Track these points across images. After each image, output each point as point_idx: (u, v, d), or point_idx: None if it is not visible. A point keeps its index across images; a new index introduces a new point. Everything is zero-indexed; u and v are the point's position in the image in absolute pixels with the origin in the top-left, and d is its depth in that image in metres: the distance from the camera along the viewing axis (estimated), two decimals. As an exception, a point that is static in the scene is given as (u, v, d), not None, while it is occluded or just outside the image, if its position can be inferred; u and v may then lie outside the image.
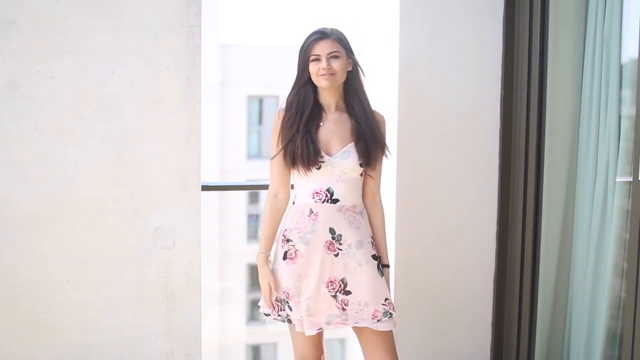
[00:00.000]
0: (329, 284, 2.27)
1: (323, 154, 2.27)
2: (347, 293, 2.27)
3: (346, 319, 2.28)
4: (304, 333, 2.31)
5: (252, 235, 15.05)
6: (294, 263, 2.28)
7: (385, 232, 2.39)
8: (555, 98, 2.72)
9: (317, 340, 2.40)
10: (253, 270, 14.79)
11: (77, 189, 2.53)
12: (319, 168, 2.26)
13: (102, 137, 2.53)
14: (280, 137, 2.31)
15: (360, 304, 2.28)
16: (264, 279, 2.33)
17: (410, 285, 2.88)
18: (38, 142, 2.49)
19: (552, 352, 2.82)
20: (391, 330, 2.34)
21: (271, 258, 2.37)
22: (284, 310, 2.33)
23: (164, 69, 2.55)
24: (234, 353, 14.05)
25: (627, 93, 2.43)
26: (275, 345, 14.33)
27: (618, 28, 2.45)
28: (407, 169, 2.85)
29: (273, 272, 2.34)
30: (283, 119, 2.32)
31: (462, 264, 2.92)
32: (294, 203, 2.35)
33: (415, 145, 2.85)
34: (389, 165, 2.88)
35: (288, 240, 2.29)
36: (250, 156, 14.94)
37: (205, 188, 2.72)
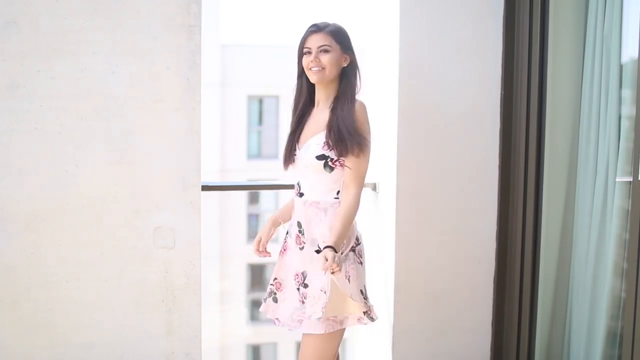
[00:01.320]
0: (295, 276, 2.31)
1: (297, 148, 2.30)
2: (306, 286, 2.27)
3: (302, 314, 2.23)
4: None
5: (252, 235, 15.05)
6: (285, 254, 2.38)
7: (341, 220, 2.18)
8: (555, 98, 2.72)
9: None
10: (253, 270, 14.81)
11: (77, 189, 2.53)
12: (293, 162, 2.31)
13: (102, 137, 2.53)
14: None
15: (314, 297, 2.20)
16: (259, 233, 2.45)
17: (410, 285, 2.88)
18: (38, 142, 2.49)
19: (552, 352, 2.82)
20: (317, 336, 2.21)
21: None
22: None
23: (164, 69, 2.55)
24: (234, 353, 14.06)
25: (627, 93, 2.43)
26: (275, 345, 14.34)
27: (618, 28, 2.45)
28: (407, 169, 2.85)
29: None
30: None
31: (462, 264, 2.92)
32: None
33: (415, 146, 2.85)
34: (389, 165, 2.88)
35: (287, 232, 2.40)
36: (250, 156, 14.95)
37: (205, 188, 2.72)
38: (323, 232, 2.24)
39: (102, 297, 2.58)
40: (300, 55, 2.29)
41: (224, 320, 14.14)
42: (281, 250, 2.39)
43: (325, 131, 2.23)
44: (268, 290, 2.40)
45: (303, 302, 2.26)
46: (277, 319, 2.36)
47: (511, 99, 2.85)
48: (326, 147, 2.22)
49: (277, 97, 14.82)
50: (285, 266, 2.36)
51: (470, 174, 2.90)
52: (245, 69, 14.32)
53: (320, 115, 2.30)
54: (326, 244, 2.13)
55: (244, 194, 14.46)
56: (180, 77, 2.56)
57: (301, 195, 2.30)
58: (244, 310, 14.62)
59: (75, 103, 2.50)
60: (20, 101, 2.46)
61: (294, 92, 2.37)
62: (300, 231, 2.30)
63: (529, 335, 2.82)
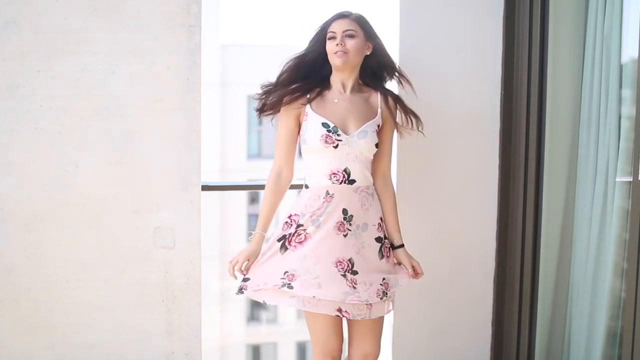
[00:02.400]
0: (337, 263, 2.24)
1: (340, 132, 2.27)
2: (355, 273, 2.26)
3: (359, 296, 2.24)
4: (323, 320, 2.26)
5: (252, 235, 15.03)
6: (302, 246, 2.25)
7: (397, 213, 2.43)
8: (555, 98, 2.72)
9: (339, 327, 2.33)
10: (253, 270, 14.79)
11: (77, 189, 2.53)
12: (336, 147, 2.26)
13: (102, 137, 2.53)
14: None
15: (366, 284, 2.25)
16: (247, 253, 2.31)
17: (410, 285, 2.87)
18: (38, 142, 2.49)
19: (552, 352, 2.82)
20: (382, 318, 2.34)
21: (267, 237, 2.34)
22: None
23: (164, 69, 2.55)
24: (234, 353, 14.06)
25: (627, 93, 2.43)
26: (275, 345, 14.33)
27: (618, 28, 2.45)
28: (407, 169, 2.85)
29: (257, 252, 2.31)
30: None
31: (462, 264, 2.92)
32: (307, 187, 2.33)
33: (415, 145, 2.84)
34: (389, 165, 2.88)
35: (299, 225, 2.27)
36: (250, 156, 14.94)
37: (205, 188, 2.72)
38: (372, 217, 2.33)
39: (102, 297, 2.58)
40: (320, 39, 2.33)
41: (224, 320, 14.14)
42: (292, 244, 2.26)
43: (377, 116, 2.34)
44: (279, 283, 2.22)
45: (354, 287, 2.23)
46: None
47: (511, 99, 2.85)
48: (376, 133, 2.32)
49: (277, 97, 14.79)
50: (299, 256, 2.25)
51: (470, 174, 2.90)
52: (245, 69, 14.29)
53: (357, 100, 2.34)
54: (399, 245, 2.41)
55: (244, 194, 14.45)
56: (180, 77, 2.56)
57: (352, 182, 2.29)
58: (244, 310, 14.62)
59: (75, 103, 2.50)
60: (20, 101, 2.46)
61: (288, 70, 2.36)
62: (345, 218, 2.27)
63: (529, 335, 2.82)
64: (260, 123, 15.25)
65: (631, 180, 2.29)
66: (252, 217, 15.11)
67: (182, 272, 2.63)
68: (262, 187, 2.46)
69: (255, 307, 14.90)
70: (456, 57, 2.84)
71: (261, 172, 14.36)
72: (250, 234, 2.35)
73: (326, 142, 2.26)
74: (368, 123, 2.31)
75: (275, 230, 2.33)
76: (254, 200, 15.22)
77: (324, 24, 2.34)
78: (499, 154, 2.90)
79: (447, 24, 2.83)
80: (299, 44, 2.34)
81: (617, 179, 2.44)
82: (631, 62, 2.40)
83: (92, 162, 2.53)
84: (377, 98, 2.39)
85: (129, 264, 2.59)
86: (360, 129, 2.29)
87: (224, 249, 14.24)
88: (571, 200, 2.71)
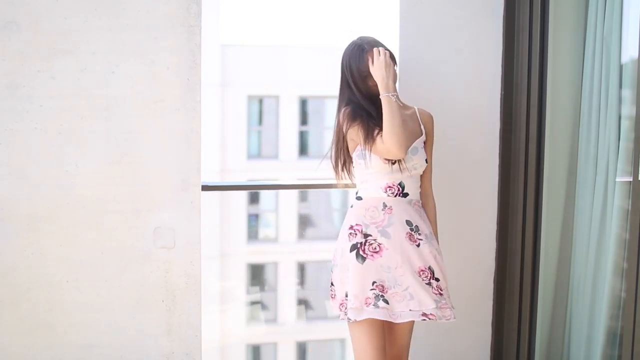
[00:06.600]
0: (421, 272, 2.31)
1: None
2: (437, 280, 2.33)
3: (446, 303, 2.34)
4: (375, 328, 2.28)
5: (252, 235, 15.05)
6: (380, 256, 2.30)
7: (436, 224, 2.49)
8: (555, 98, 2.72)
9: (382, 342, 2.32)
10: (253, 270, 14.81)
11: (77, 189, 2.53)
12: (394, 163, 2.32)
13: (102, 137, 2.53)
14: None
15: (447, 289, 2.37)
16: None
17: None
18: (38, 142, 2.49)
19: (552, 352, 2.82)
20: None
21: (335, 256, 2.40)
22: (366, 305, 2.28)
23: (164, 69, 2.55)
24: (234, 353, 14.06)
25: (627, 93, 2.43)
26: (275, 345, 14.34)
27: (618, 28, 2.46)
28: (407, 169, 2.85)
29: (339, 268, 2.36)
30: None
31: (462, 264, 2.92)
32: (360, 199, 2.37)
33: (415, 145, 2.85)
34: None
35: (366, 235, 2.31)
36: (250, 156, 14.94)
37: (205, 188, 2.72)
38: (429, 226, 2.41)
39: (102, 297, 2.58)
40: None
41: (224, 320, 14.15)
42: (367, 253, 2.30)
43: (423, 134, 2.44)
44: (371, 295, 2.27)
45: (441, 294, 2.33)
46: (399, 315, 2.31)
47: (511, 99, 2.85)
48: (424, 149, 2.43)
49: (277, 97, 14.81)
50: (382, 267, 2.29)
51: (470, 174, 2.90)
52: (245, 69, 14.30)
53: (403, 118, 2.35)
54: None
55: (244, 194, 14.46)
56: (180, 77, 2.56)
57: (405, 195, 2.36)
58: (244, 310, 14.62)
59: (75, 103, 2.50)
60: (20, 101, 2.46)
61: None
62: (412, 229, 2.33)
63: (529, 335, 2.82)
64: (260, 123, 15.26)
65: (631, 180, 2.29)
66: (252, 217, 15.13)
67: (182, 272, 2.63)
68: (262, 187, 2.50)
69: (255, 308, 14.89)
70: (456, 57, 2.84)
71: (261, 172, 14.38)
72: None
73: (385, 160, 2.32)
74: (417, 140, 2.40)
75: (338, 243, 2.38)
76: (254, 200, 15.23)
77: None
78: (499, 154, 2.90)
79: (447, 24, 2.83)
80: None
81: (617, 179, 2.44)
82: (631, 62, 2.40)
83: (92, 162, 2.53)
84: (416, 115, 2.48)
85: (128, 264, 2.59)
86: (412, 146, 2.37)
87: (224, 249, 14.25)
88: (571, 200, 2.71)
